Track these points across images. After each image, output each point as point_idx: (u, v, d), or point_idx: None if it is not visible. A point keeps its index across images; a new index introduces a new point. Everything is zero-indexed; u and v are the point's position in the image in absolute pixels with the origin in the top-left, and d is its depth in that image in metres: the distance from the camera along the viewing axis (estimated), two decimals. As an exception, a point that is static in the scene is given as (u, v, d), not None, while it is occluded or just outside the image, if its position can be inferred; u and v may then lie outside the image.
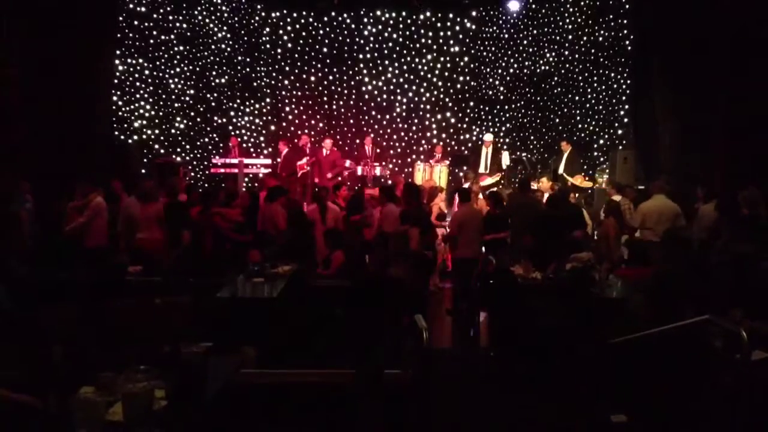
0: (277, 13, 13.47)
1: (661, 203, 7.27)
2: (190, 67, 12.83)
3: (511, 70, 13.48)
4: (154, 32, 12.30)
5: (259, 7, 13.39)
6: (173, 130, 12.73)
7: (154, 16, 12.29)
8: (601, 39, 12.52)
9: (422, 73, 13.65)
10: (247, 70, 13.41)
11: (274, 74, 13.54)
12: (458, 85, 13.64)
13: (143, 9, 12.11)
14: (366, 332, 4.65)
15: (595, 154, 12.75)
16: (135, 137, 12.05)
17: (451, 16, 13.48)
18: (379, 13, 13.55)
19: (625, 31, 12.17)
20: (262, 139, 13.61)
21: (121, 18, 11.52)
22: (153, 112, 12.41)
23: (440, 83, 13.65)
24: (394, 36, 13.61)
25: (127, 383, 2.65)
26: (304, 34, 13.57)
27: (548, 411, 4.38)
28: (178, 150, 12.82)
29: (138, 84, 12.17)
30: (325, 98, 13.71)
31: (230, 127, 13.24)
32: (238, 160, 11.61)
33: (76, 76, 8.92)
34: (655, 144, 10.60)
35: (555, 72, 13.13)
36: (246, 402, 3.26)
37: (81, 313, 3.97)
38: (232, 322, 4.72)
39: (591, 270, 5.84)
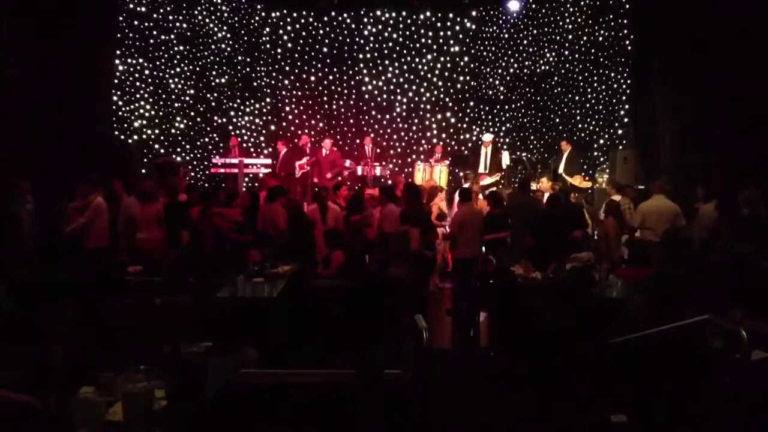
0: (277, 13, 13.48)
1: (661, 203, 7.27)
2: (190, 67, 12.83)
3: (511, 70, 13.48)
4: (154, 32, 12.30)
5: (259, 7, 13.39)
6: (173, 130, 12.73)
7: (154, 16, 12.29)
8: (601, 39, 12.52)
9: (422, 73, 13.65)
10: (247, 70, 13.41)
11: (274, 74, 13.55)
12: (458, 85, 13.64)
13: (143, 9, 12.11)
14: (366, 332, 4.65)
15: (595, 153, 12.75)
16: (135, 137, 12.04)
17: (451, 16, 13.48)
18: (379, 13, 13.55)
19: (625, 31, 12.17)
20: (262, 139, 13.61)
21: (121, 18, 11.52)
22: (153, 112, 12.41)
23: (440, 83, 13.64)
24: (394, 36, 13.61)
25: (127, 383, 2.65)
26: (304, 34, 13.57)
27: (548, 411, 4.38)
28: (178, 150, 12.82)
29: (138, 84, 12.17)
30: (325, 98, 13.71)
31: (230, 127, 13.24)
32: (238, 160, 11.61)
33: (76, 76, 8.92)
34: (655, 144, 10.60)
35: (555, 72, 13.13)
36: (246, 402, 3.27)
37: (81, 313, 3.97)
38: (232, 322, 4.72)
39: (591, 270, 5.84)
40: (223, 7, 13.14)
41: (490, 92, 13.65)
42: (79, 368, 2.99)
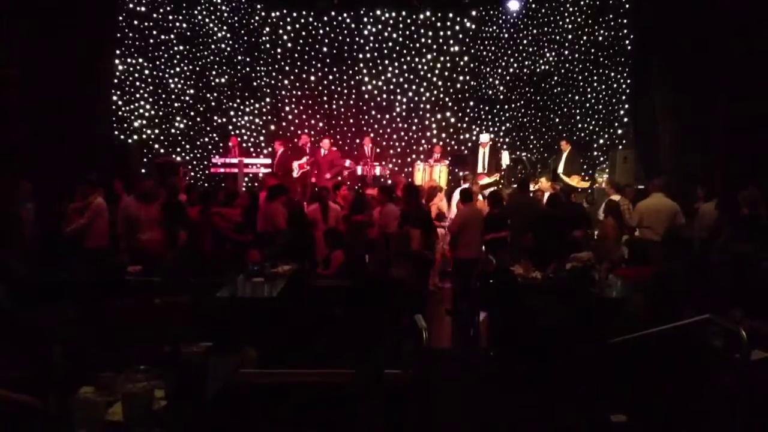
0: (277, 13, 13.48)
1: (659, 201, 7.27)
2: (190, 67, 12.83)
3: (511, 70, 13.48)
4: (154, 32, 12.30)
5: (259, 6, 13.40)
6: (173, 130, 12.74)
7: (154, 16, 12.29)
8: (601, 39, 12.52)
9: (422, 73, 13.65)
10: (247, 69, 13.41)
11: (274, 74, 13.55)
12: (458, 85, 13.64)
13: (143, 9, 12.11)
14: (366, 332, 4.64)
15: (595, 153, 12.75)
16: (135, 137, 12.04)
17: (450, 15, 13.48)
18: (379, 12, 13.55)
19: (625, 31, 12.17)
20: (261, 138, 13.62)
21: (121, 18, 11.52)
22: (153, 112, 12.41)
23: (440, 83, 13.65)
24: (394, 36, 13.61)
25: (127, 383, 2.65)
26: (304, 33, 13.57)
27: (548, 411, 4.38)
28: (178, 150, 12.83)
29: (138, 84, 12.17)
30: (325, 98, 13.71)
31: (230, 127, 13.25)
32: (238, 159, 11.62)
33: (76, 76, 8.91)
34: (655, 144, 10.60)
35: (555, 72, 13.13)
36: (246, 402, 3.26)
37: (81, 313, 3.97)
38: (232, 322, 4.71)
39: (591, 270, 5.84)
40: (223, 7, 13.14)
41: (490, 92, 13.65)
42: (79, 368, 2.98)
